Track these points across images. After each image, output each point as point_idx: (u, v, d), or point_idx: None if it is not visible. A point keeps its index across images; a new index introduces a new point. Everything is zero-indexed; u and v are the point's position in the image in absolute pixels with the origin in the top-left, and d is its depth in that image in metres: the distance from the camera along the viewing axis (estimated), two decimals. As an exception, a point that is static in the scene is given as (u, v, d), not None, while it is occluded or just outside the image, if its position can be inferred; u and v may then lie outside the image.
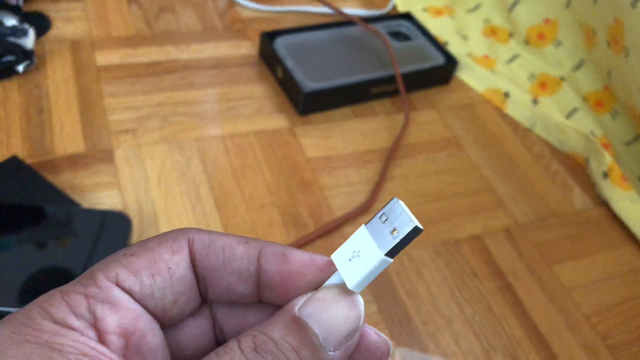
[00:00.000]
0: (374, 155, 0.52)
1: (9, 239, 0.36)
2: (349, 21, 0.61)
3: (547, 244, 0.48)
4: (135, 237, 0.41)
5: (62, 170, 0.44)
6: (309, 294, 0.18)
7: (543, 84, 0.63)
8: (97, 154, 0.46)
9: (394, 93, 0.58)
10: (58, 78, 0.52)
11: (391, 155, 0.51)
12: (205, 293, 0.19)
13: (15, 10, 0.53)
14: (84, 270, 0.35)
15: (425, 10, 0.70)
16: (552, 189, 0.53)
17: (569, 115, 0.59)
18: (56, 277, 0.34)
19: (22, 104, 0.49)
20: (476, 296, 0.43)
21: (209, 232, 0.19)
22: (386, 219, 0.18)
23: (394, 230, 0.17)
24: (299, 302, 0.18)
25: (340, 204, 0.47)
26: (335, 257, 0.19)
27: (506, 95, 0.60)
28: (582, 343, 0.41)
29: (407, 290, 0.42)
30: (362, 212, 0.47)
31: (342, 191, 0.48)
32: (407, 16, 0.64)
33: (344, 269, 0.18)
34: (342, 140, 0.53)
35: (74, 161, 0.45)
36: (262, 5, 0.65)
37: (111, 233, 0.37)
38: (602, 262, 0.47)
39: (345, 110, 0.56)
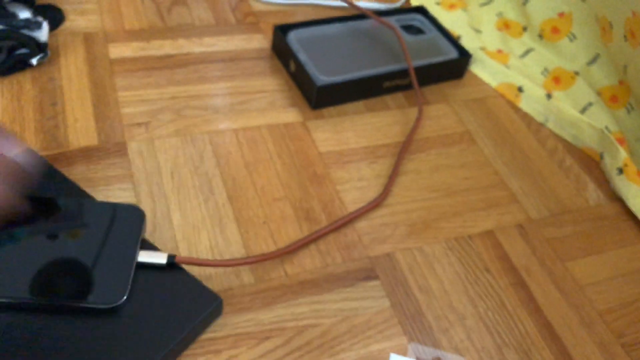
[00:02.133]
0: (386, 150, 0.52)
1: (21, 230, 0.36)
2: (362, 14, 0.61)
3: (560, 240, 0.47)
4: (149, 230, 0.41)
5: (76, 163, 0.45)
6: None
7: (557, 79, 0.62)
8: (111, 147, 0.46)
9: (407, 87, 0.58)
10: (71, 71, 0.52)
11: (404, 149, 0.51)
12: None
13: (29, 2, 0.53)
14: (95, 262, 0.35)
15: (438, 3, 0.69)
16: (565, 185, 0.52)
17: (583, 110, 0.59)
18: (68, 269, 0.34)
19: (35, 96, 0.49)
20: (489, 292, 0.43)
21: None
22: None
23: None
24: None
25: (352, 198, 0.47)
26: None
27: (520, 89, 0.59)
28: (596, 340, 0.41)
29: (420, 286, 0.42)
30: (375, 207, 0.47)
31: (354, 185, 0.48)
32: (421, 9, 0.64)
33: None
34: (355, 135, 0.52)
35: (87, 154, 0.45)
36: (274, -2, 0.65)
37: (124, 226, 0.37)
38: (616, 259, 0.47)
39: (358, 104, 0.55)
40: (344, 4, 0.63)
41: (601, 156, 0.54)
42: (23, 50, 0.50)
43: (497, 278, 0.44)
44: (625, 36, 0.54)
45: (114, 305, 0.33)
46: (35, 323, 0.33)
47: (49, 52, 0.52)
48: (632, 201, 0.50)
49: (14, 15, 0.50)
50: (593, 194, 0.52)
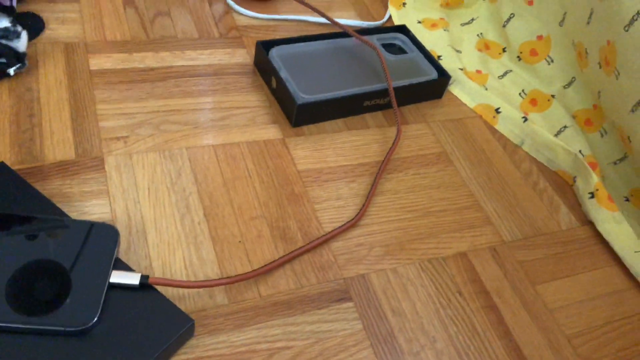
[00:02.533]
0: (365, 169, 0.52)
1: (-4, 248, 0.36)
2: (344, 32, 0.62)
3: (531, 263, 0.48)
4: (123, 248, 0.41)
5: (51, 177, 0.44)
6: None
7: (534, 101, 0.63)
8: (87, 162, 0.46)
9: (387, 106, 0.58)
10: (50, 81, 0.52)
11: (382, 169, 0.51)
12: None
13: (9, 11, 0.53)
14: (67, 282, 0.35)
15: (420, 22, 0.70)
16: (539, 207, 0.53)
17: (558, 133, 0.60)
18: (39, 289, 0.34)
19: (12, 107, 0.49)
20: (460, 315, 0.43)
21: None
22: None
23: None
24: None
25: (330, 217, 0.47)
26: None
27: (497, 111, 0.60)
28: (563, 364, 0.42)
29: (393, 308, 0.43)
30: (351, 227, 0.47)
31: (332, 205, 0.48)
32: (403, 28, 0.65)
33: None
34: (334, 153, 0.53)
35: (63, 168, 0.45)
36: (258, 13, 0.65)
37: (98, 245, 0.37)
38: (586, 283, 0.48)
39: (338, 122, 0.56)
40: (327, 21, 0.64)
41: (574, 180, 0.55)
42: (0, 60, 0.49)
43: (468, 301, 0.44)
44: (599, 63, 0.56)
45: (85, 327, 0.33)
46: (4, 344, 0.33)
47: (27, 62, 0.52)
48: (602, 225, 0.51)
49: (-8, 25, 0.50)
50: (565, 217, 0.53)
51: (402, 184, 0.52)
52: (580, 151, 0.58)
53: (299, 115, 0.53)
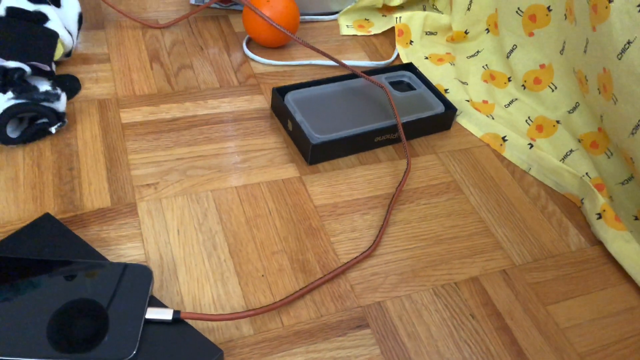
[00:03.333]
0: (377, 201, 0.55)
1: (37, 290, 0.40)
2: (353, 74, 0.66)
3: (542, 284, 0.50)
4: (156, 286, 0.45)
5: (90, 224, 0.49)
6: None
7: (540, 127, 0.66)
8: (122, 208, 0.51)
9: (397, 140, 0.62)
10: (87, 136, 0.57)
11: (394, 200, 0.54)
12: None
13: (48, 75, 0.59)
14: (107, 319, 0.39)
15: (427, 58, 0.74)
16: (548, 230, 0.55)
17: (565, 157, 0.62)
18: (81, 325, 0.38)
19: (54, 162, 0.54)
20: (474, 337, 0.46)
21: None
22: None
23: None
24: None
25: (346, 249, 0.51)
26: None
27: (504, 139, 0.63)
28: (575, 381, 0.44)
29: (409, 332, 0.45)
30: (366, 257, 0.50)
31: (347, 237, 0.52)
32: (410, 66, 0.68)
33: None
34: (348, 187, 0.56)
35: (101, 215, 0.50)
36: (274, 60, 0.70)
37: (134, 284, 0.41)
38: (597, 302, 0.50)
39: (351, 159, 0.59)
40: (336, 64, 0.68)
41: (582, 202, 0.57)
42: (43, 120, 0.55)
43: (481, 323, 0.47)
44: (599, 89, 0.58)
45: (125, 359, 0.37)
46: (54, 377, 0.36)
47: (67, 121, 0.57)
48: (611, 245, 0.53)
49: (35, 89, 0.55)
50: (575, 238, 0.55)
51: (414, 213, 0.55)
52: (587, 173, 0.60)
53: (314, 154, 0.57)
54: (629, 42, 0.51)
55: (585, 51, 0.59)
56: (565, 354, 0.45)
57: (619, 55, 0.53)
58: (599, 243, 0.55)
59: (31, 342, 0.37)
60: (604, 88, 0.57)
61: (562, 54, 0.66)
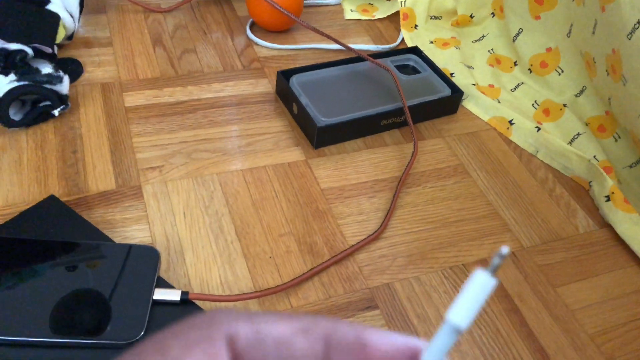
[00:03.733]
0: (384, 184, 0.55)
1: (44, 272, 0.39)
2: (359, 57, 0.65)
3: (551, 266, 0.50)
4: (163, 268, 0.45)
5: (95, 206, 0.48)
6: None
7: (547, 110, 0.65)
8: (127, 191, 0.50)
9: (403, 124, 0.61)
10: (90, 120, 0.56)
11: (401, 183, 0.54)
12: None
13: (51, 57, 0.58)
14: (114, 300, 0.38)
15: (432, 42, 0.73)
16: (556, 213, 0.55)
17: (572, 140, 0.62)
18: (88, 307, 0.38)
19: (57, 145, 0.53)
20: (484, 318, 0.45)
21: (252, 317, 0.15)
22: None
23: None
24: None
25: (353, 232, 0.50)
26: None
27: (510, 122, 0.63)
28: (586, 362, 0.43)
29: (418, 314, 0.45)
30: (374, 240, 0.50)
31: (354, 219, 0.51)
32: (415, 50, 0.68)
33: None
34: (354, 171, 0.56)
35: (105, 198, 0.49)
36: (278, 44, 0.70)
37: (141, 266, 0.41)
38: (606, 283, 0.49)
39: (357, 142, 0.59)
40: (342, 47, 0.68)
41: (590, 184, 0.57)
42: (46, 103, 0.54)
43: (491, 305, 0.46)
44: (607, 71, 0.57)
45: (133, 340, 0.36)
46: (62, 358, 0.36)
47: (70, 103, 0.57)
48: (620, 227, 0.53)
49: (37, 71, 0.54)
50: (583, 221, 0.55)
51: (421, 196, 0.54)
52: (594, 156, 0.59)
53: (320, 137, 0.56)
54: (639, 22, 0.51)
55: (593, 32, 0.59)
56: (575, 335, 0.45)
57: (629, 35, 0.52)
58: (607, 225, 0.54)
59: (38, 323, 0.36)
60: (613, 69, 0.56)
61: (569, 36, 0.65)
